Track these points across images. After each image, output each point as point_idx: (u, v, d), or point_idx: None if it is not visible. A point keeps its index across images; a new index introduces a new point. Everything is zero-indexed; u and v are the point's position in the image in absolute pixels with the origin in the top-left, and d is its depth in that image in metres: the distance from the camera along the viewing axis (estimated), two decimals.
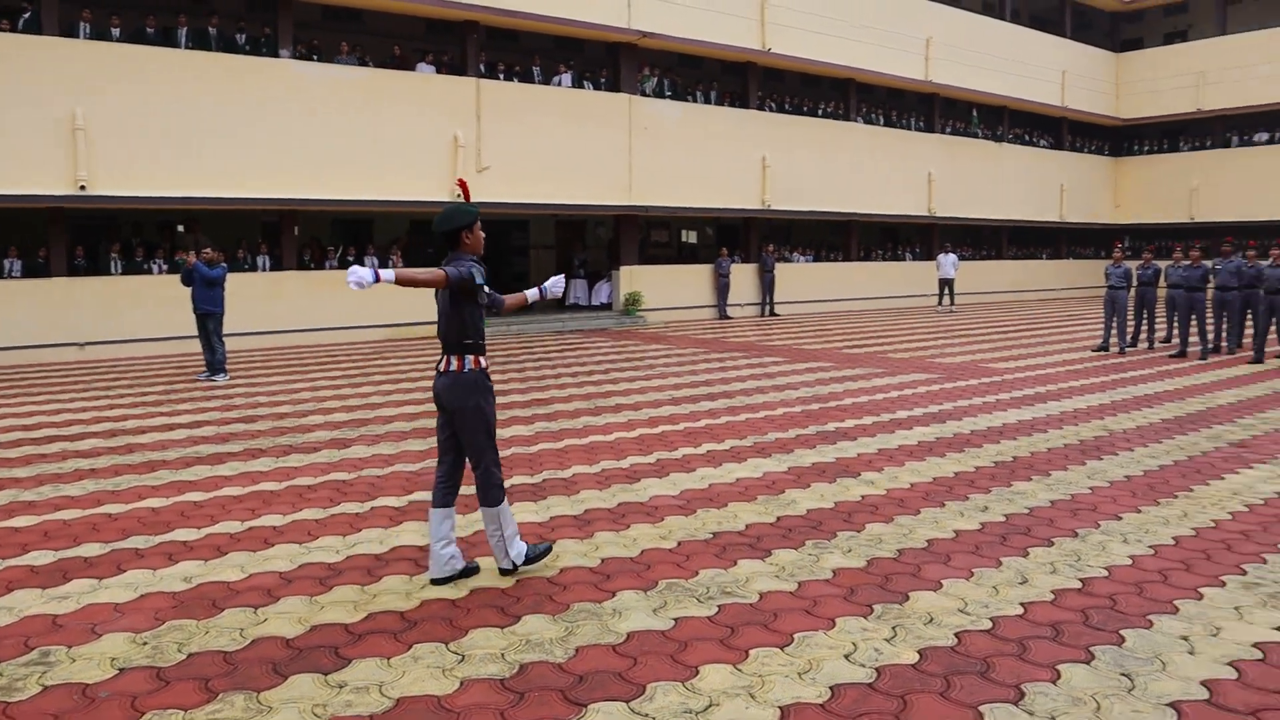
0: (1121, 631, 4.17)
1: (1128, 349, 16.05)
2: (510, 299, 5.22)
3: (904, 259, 29.86)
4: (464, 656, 3.96)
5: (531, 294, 5.30)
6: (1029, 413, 9.86)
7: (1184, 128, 35.41)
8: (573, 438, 8.59)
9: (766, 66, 25.29)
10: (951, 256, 26.53)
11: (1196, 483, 6.85)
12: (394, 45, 20.20)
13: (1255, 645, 4.03)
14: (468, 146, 19.24)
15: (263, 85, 17.10)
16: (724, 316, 23.82)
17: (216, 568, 5.11)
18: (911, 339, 18.28)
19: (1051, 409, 10.10)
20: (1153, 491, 6.60)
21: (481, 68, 20.11)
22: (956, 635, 4.14)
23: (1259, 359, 14.22)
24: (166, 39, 16.85)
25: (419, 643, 4.11)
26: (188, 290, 12.68)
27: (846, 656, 3.93)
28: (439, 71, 19.84)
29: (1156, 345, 16.68)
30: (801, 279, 26.20)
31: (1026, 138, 33.46)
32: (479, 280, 4.60)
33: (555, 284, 5.23)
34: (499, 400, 9.87)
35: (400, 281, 4.28)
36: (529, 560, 4.95)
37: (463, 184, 5.27)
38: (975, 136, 31.12)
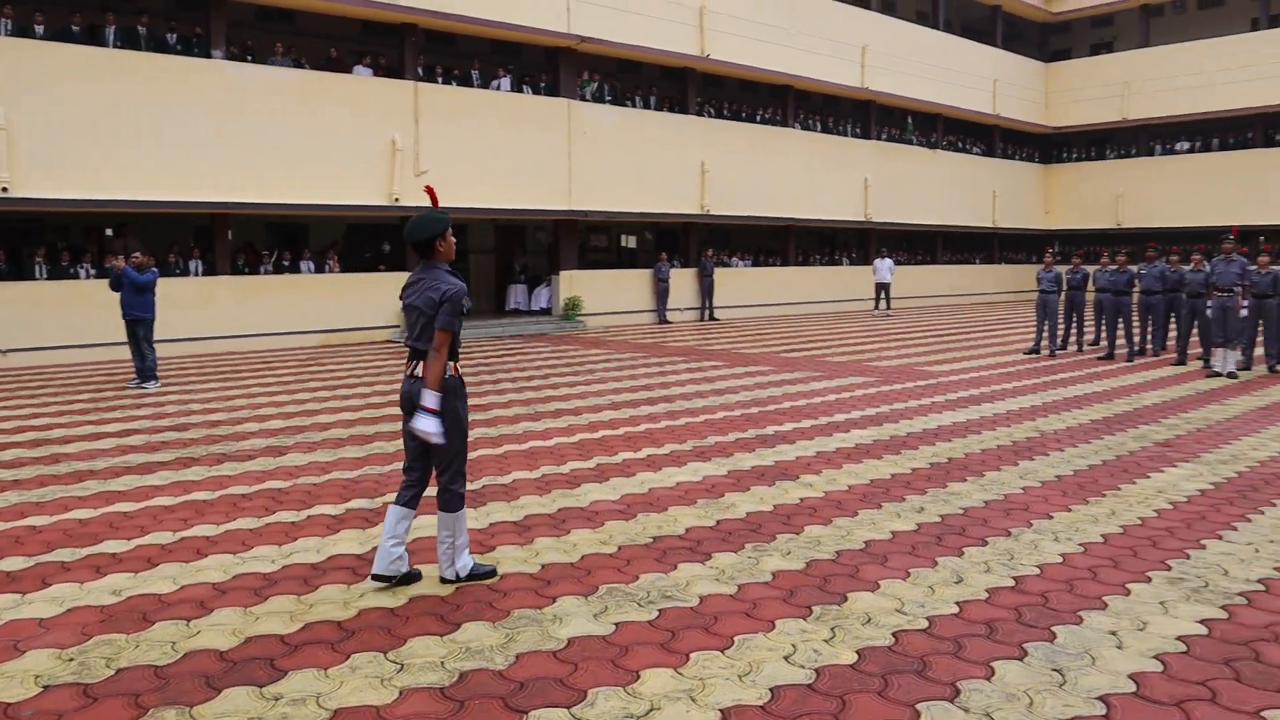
0: (1053, 628, 4.27)
1: (1058, 351, 16.44)
2: (433, 360, 4.61)
3: (841, 264, 30.21)
4: (403, 666, 3.92)
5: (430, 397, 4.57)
6: (963, 415, 10.05)
7: (1110, 136, 36.47)
8: (512, 443, 8.54)
9: (705, 72, 25.44)
10: (888, 261, 26.91)
11: (1124, 481, 7.04)
12: (330, 47, 19.89)
13: (1179, 638, 4.15)
14: (405, 150, 19.05)
15: (195, 86, 16.72)
16: (664, 321, 23.91)
17: (147, 580, 4.98)
18: (849, 343, 18.51)
19: (985, 411, 10.31)
20: (1082, 491, 6.77)
21: (420, 71, 19.94)
22: (894, 635, 4.20)
23: (1182, 361, 14.67)
24: (93, 37, 16.40)
25: (357, 652, 4.05)
26: (116, 295, 12.37)
27: (786, 658, 3.96)
28: (376, 74, 19.62)
29: (1085, 348, 17.11)
30: (740, 283, 26.40)
31: (960, 145, 34.13)
32: (468, 307, 4.56)
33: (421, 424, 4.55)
34: None
35: (438, 386, 4.52)
36: (472, 577, 4.90)
37: (430, 190, 5.05)
38: (910, 143, 31.69)
